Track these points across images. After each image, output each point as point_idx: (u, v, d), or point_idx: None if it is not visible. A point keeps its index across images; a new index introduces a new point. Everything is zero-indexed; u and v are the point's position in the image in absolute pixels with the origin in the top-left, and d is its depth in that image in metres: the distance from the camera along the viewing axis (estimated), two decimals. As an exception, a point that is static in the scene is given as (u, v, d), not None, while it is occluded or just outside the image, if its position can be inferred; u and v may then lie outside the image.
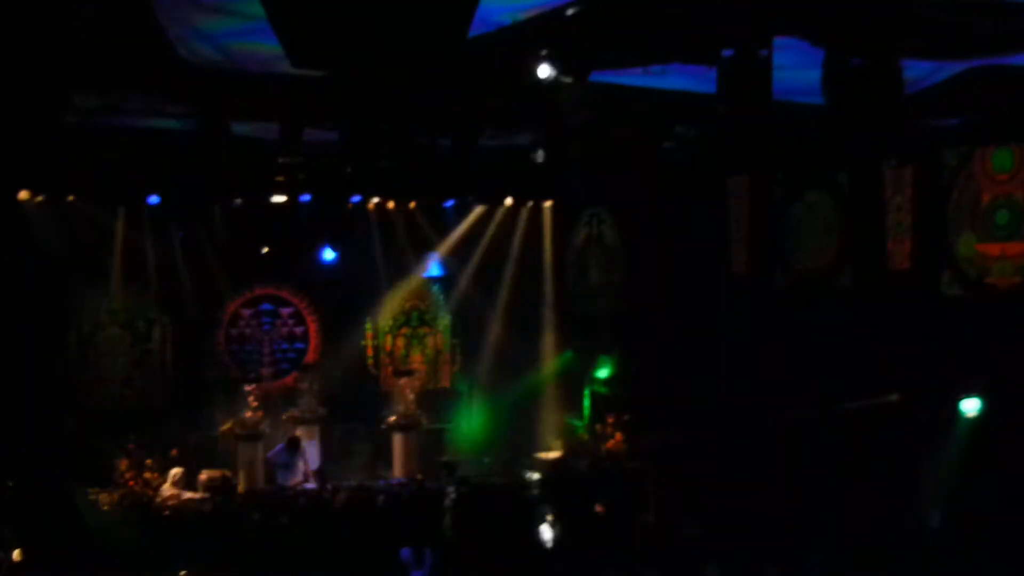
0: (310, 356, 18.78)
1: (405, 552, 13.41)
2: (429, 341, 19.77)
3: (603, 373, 18.69)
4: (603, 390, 18.66)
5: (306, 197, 17.23)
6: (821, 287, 14.99)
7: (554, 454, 17.96)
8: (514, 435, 18.12)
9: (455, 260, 19.25)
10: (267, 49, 8.85)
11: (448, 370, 19.91)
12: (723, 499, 14.72)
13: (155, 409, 17.32)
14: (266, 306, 18.60)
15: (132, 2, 8.51)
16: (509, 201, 19.20)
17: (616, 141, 14.26)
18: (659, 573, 13.47)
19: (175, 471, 15.65)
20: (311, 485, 16.42)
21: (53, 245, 16.28)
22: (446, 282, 19.53)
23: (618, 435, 17.60)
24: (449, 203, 18.87)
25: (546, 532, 14.84)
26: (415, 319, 19.71)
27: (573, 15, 8.66)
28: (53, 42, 8.76)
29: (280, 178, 16.59)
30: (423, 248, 19.09)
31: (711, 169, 16.22)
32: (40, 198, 16.09)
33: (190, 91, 11.94)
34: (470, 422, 18.82)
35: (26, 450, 14.70)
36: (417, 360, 19.57)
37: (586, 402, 18.90)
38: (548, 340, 19.35)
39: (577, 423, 18.65)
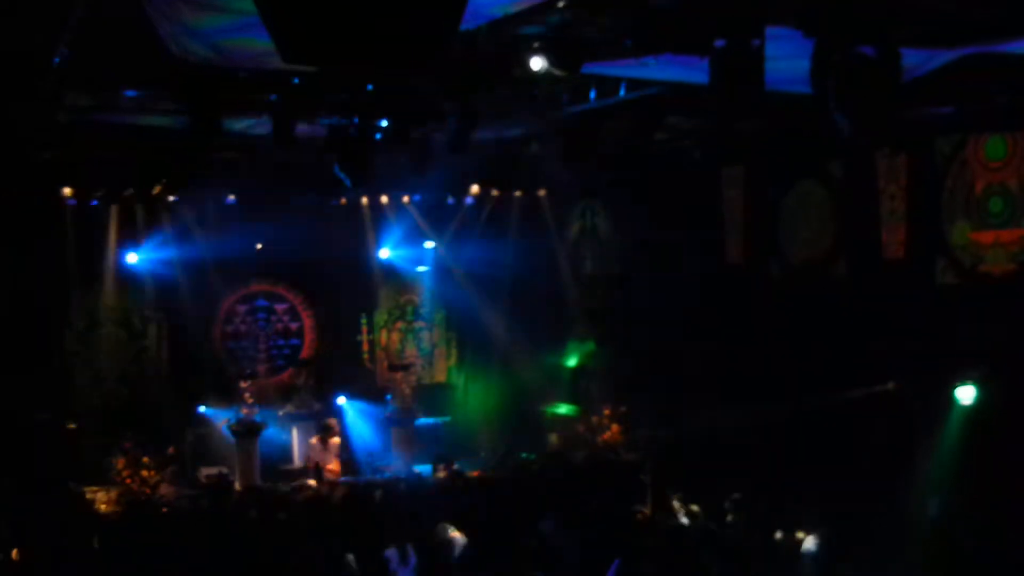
0: (305, 352, 18.77)
1: (390, 552, 13.41)
2: (424, 335, 19.76)
3: (588, 363, 18.76)
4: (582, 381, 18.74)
5: (299, 192, 17.22)
6: (816, 277, 15.01)
7: (551, 446, 17.96)
8: (510, 428, 18.11)
9: (450, 253, 19.24)
10: (258, 45, 8.84)
11: (444, 364, 19.91)
12: (719, 490, 14.73)
13: (151, 407, 17.29)
14: (261, 302, 18.59)
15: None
16: (496, 192, 19.12)
17: (609, 132, 14.25)
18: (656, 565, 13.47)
19: (172, 469, 15.64)
20: (346, 479, 16.50)
21: (48, 243, 16.28)
22: (441, 275, 19.50)
23: (614, 427, 17.62)
24: (444, 196, 18.85)
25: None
26: (410, 313, 19.70)
27: (564, 7, 8.65)
28: (46, 40, 8.74)
29: (273, 173, 16.57)
30: (417, 242, 19.08)
31: (704, 160, 16.23)
32: (35, 196, 16.06)
33: (182, 88, 11.92)
34: (466, 415, 18.82)
35: (23, 448, 14.68)
36: (412, 354, 19.57)
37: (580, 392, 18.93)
38: (544, 332, 19.33)
39: (566, 410, 18.59)
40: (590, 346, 18.86)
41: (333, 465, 16.66)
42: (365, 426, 17.66)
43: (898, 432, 13.26)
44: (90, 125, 13.68)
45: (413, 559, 13.49)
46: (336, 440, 16.93)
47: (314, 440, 16.85)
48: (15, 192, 15.67)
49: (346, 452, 17.13)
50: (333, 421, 17.08)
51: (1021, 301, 12.26)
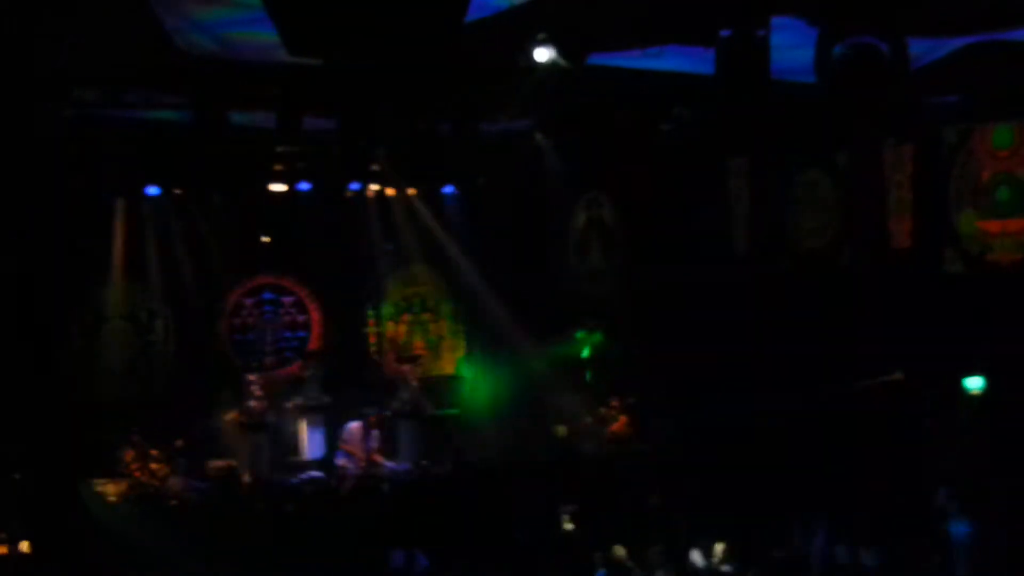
0: (312, 344, 18.77)
1: (398, 556, 13.40)
2: (431, 327, 19.74)
3: (598, 354, 18.71)
4: (590, 373, 18.68)
5: (306, 185, 17.23)
6: (822, 267, 14.99)
7: (559, 438, 17.94)
8: (519, 420, 18.10)
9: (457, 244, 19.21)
10: (264, 38, 8.86)
11: (451, 356, 19.90)
12: (728, 482, 14.74)
13: (159, 400, 17.32)
14: (268, 295, 18.59)
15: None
16: (502, 183, 19.07)
17: (615, 123, 14.26)
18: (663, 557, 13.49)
19: (180, 462, 15.67)
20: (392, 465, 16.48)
21: (55, 238, 16.30)
22: (448, 267, 19.46)
23: (623, 418, 17.59)
24: (449, 188, 18.83)
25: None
26: (417, 305, 19.68)
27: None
28: (52, 35, 8.75)
29: (279, 167, 16.60)
30: (424, 234, 19.05)
31: (711, 150, 16.19)
32: (41, 191, 16.07)
33: (188, 82, 11.96)
34: (475, 408, 18.81)
35: (32, 443, 14.73)
36: (419, 346, 19.55)
37: (588, 384, 18.91)
38: (551, 323, 19.31)
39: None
40: (598, 338, 18.84)
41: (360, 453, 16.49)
42: None
43: (906, 422, 13.25)
44: (97, 120, 13.72)
45: (423, 562, 13.46)
46: (376, 432, 16.76)
47: (356, 426, 16.73)
48: (22, 187, 15.70)
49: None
50: (378, 417, 16.90)
51: (1029, 290, 12.25)
